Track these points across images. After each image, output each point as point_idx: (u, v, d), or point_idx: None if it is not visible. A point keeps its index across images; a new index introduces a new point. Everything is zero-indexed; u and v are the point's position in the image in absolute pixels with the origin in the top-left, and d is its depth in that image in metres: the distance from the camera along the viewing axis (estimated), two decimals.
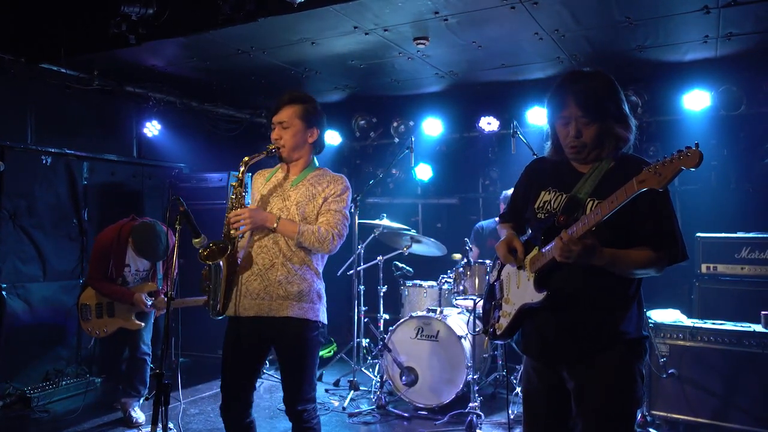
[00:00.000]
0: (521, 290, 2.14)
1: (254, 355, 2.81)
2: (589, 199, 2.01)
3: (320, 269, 2.86)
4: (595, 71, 2.08)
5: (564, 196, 2.09)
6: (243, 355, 2.78)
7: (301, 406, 2.72)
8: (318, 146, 2.90)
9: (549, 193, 2.15)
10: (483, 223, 5.61)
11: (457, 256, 5.55)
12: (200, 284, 2.80)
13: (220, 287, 2.75)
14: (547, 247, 2.01)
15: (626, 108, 2.05)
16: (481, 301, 2.46)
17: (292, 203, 2.76)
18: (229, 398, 2.79)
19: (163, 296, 4.39)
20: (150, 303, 4.30)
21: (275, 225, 2.68)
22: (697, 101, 5.13)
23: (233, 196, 2.75)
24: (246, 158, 2.77)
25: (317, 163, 2.93)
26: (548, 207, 2.12)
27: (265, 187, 2.87)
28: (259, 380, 5.02)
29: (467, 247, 4.89)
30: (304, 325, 2.72)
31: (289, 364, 2.75)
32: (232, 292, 2.77)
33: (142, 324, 4.39)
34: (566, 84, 2.06)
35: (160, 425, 2.69)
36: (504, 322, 2.20)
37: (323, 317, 2.83)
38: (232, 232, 2.70)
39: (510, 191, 5.32)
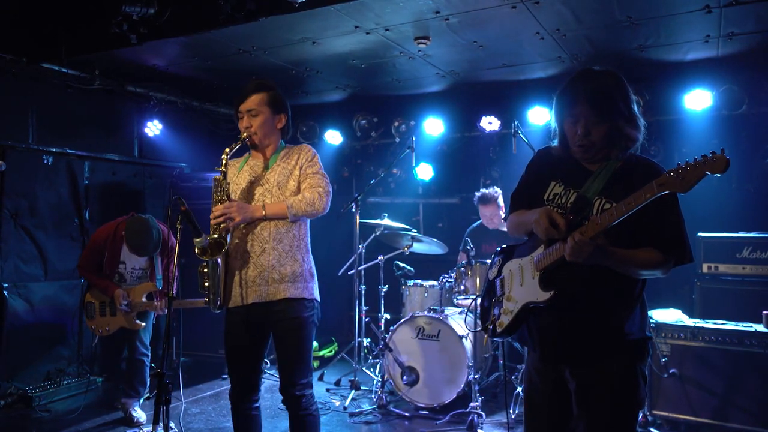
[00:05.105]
0: (525, 288, 2.13)
1: (256, 341, 2.88)
2: (596, 198, 2.00)
3: (308, 245, 2.92)
4: (607, 70, 2.06)
5: (572, 192, 2.07)
6: (246, 342, 2.85)
7: (299, 390, 2.77)
8: (285, 132, 2.97)
9: (558, 186, 2.12)
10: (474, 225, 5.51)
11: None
12: (198, 281, 2.82)
13: (220, 282, 2.80)
14: (554, 246, 2.00)
15: (636, 108, 2.03)
16: (479, 299, 2.44)
17: (272, 185, 2.83)
18: (238, 384, 2.87)
19: (158, 298, 4.40)
20: (126, 303, 4.30)
21: (264, 213, 2.75)
22: (698, 101, 5.11)
23: (218, 190, 2.78)
24: (227, 149, 2.82)
25: (283, 144, 2.99)
26: (558, 201, 2.09)
27: (240, 177, 2.92)
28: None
29: (468, 247, 4.88)
30: (300, 304, 2.80)
31: (286, 345, 2.80)
32: (231, 284, 2.81)
33: (143, 324, 4.41)
34: (578, 82, 2.03)
35: (161, 425, 2.70)
36: (505, 320, 2.18)
37: (317, 294, 2.90)
38: (222, 225, 2.71)
39: (481, 192, 5.24)
